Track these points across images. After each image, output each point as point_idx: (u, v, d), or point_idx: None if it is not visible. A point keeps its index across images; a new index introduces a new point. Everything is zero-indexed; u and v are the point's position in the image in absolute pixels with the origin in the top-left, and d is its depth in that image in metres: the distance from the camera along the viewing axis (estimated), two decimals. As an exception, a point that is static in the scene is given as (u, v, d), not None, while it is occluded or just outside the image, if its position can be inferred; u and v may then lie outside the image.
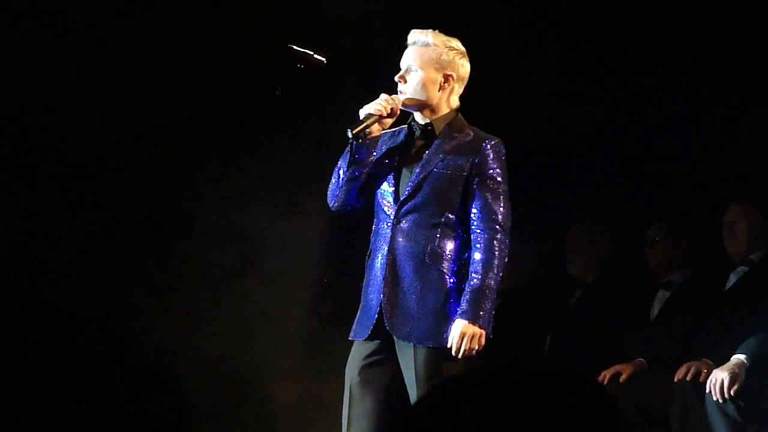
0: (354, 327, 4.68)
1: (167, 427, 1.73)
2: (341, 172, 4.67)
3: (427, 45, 4.65)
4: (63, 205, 6.37)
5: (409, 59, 4.67)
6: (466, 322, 4.45)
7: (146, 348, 6.33)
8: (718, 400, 5.37)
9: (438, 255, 4.55)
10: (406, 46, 4.70)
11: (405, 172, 4.66)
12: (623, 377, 5.93)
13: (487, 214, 4.54)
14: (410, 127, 4.73)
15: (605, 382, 5.95)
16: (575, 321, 6.51)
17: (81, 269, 6.41)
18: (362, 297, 4.69)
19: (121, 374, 1.73)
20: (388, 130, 4.72)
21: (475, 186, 4.57)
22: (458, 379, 1.67)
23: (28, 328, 1.75)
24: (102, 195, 6.46)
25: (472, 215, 4.56)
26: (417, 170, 4.62)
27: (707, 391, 5.41)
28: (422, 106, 4.68)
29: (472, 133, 4.66)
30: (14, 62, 6.22)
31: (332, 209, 4.75)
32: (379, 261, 4.62)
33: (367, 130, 4.60)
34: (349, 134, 4.58)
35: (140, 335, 6.21)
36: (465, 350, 4.43)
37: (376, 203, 4.70)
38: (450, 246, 4.57)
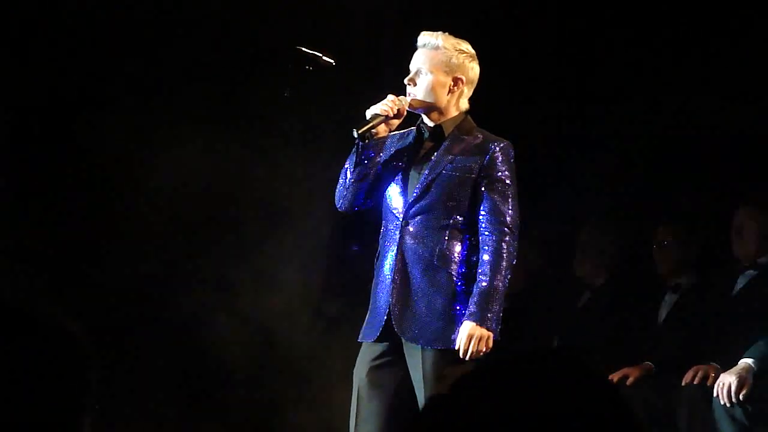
0: (363, 329, 4.68)
1: (167, 428, 1.72)
2: (348, 172, 4.66)
3: (437, 48, 4.63)
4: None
5: (418, 62, 4.65)
6: (474, 324, 4.44)
7: (148, 347, 6.37)
8: (725, 403, 5.35)
9: (446, 257, 4.54)
10: (415, 49, 4.68)
11: (413, 173, 4.65)
12: (631, 380, 5.91)
13: (496, 216, 4.53)
14: (419, 129, 4.72)
15: (613, 385, 5.93)
16: (583, 323, 6.49)
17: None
18: (371, 299, 4.68)
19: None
20: (396, 132, 4.71)
21: (483, 188, 4.56)
22: (467, 377, 1.65)
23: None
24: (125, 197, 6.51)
25: (481, 217, 4.55)
26: (425, 172, 4.61)
27: (715, 394, 5.40)
28: (431, 108, 4.66)
29: (480, 136, 4.65)
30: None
31: (339, 210, 4.74)
32: (388, 263, 4.61)
33: (374, 130, 4.59)
34: (355, 134, 4.57)
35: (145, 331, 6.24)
36: (473, 352, 4.43)
37: (384, 205, 4.69)
38: (458, 248, 4.56)
